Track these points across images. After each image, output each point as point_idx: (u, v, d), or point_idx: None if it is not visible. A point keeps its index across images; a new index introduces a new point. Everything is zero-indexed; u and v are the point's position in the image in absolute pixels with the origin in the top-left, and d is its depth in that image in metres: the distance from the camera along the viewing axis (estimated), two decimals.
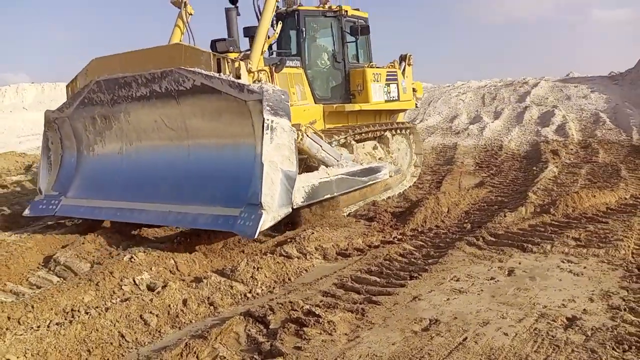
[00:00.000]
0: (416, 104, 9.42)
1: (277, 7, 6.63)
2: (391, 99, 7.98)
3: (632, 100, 15.30)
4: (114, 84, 5.59)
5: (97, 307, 3.69)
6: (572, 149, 10.31)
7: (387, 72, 7.95)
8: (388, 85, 7.90)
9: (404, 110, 9.04)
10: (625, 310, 3.47)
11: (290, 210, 4.92)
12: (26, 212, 6.33)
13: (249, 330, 3.42)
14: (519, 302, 3.70)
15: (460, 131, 13.07)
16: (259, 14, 6.62)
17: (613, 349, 2.97)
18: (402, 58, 8.72)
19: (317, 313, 3.49)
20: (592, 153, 9.80)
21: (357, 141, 6.86)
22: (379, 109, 7.82)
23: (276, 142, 4.70)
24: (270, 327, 3.42)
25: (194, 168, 5.38)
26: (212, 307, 3.91)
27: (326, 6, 7.27)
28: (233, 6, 6.56)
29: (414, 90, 9.00)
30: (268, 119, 4.64)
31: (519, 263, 4.49)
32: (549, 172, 8.19)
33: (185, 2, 6.85)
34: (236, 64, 5.18)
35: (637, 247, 4.73)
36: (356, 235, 5.62)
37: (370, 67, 7.65)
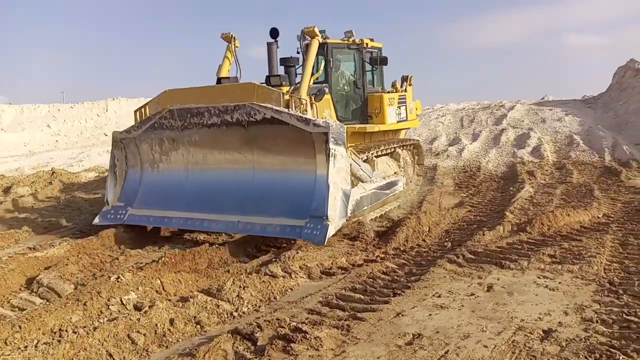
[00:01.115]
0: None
1: (306, 38, 7.54)
2: (401, 119, 8.98)
3: (605, 123, 15.87)
4: (186, 113, 6.39)
5: (85, 327, 3.71)
6: (547, 170, 10.63)
7: (399, 96, 8.91)
8: (399, 107, 8.88)
9: (409, 128, 10.12)
10: (597, 322, 3.64)
11: (345, 221, 5.93)
12: (96, 221, 6.92)
13: (237, 347, 3.48)
14: (498, 316, 3.84)
15: (440, 152, 13.37)
16: (302, 52, 7.79)
17: (586, 357, 3.12)
18: (404, 79, 9.40)
19: (303, 329, 3.57)
20: (566, 174, 10.13)
21: (377, 157, 7.69)
22: (392, 129, 8.84)
23: (337, 167, 5.71)
24: (258, 343, 3.49)
25: (258, 186, 6.25)
26: (199, 326, 3.95)
27: (350, 40, 8.20)
28: (274, 40, 7.56)
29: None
30: (332, 148, 5.63)
31: (498, 279, 4.65)
32: (525, 192, 8.44)
33: (234, 37, 7.91)
34: (303, 102, 6.14)
35: (609, 263, 4.93)
36: (340, 255, 5.72)
37: (385, 92, 8.62)
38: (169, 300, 4.38)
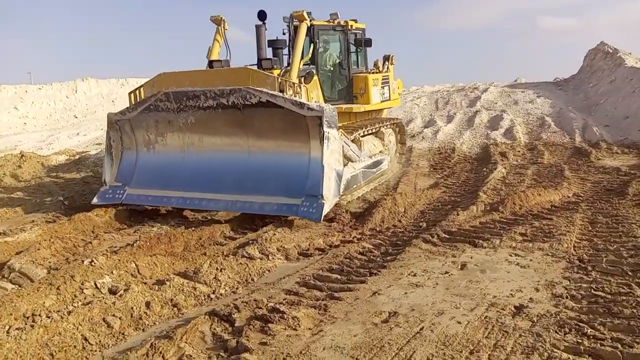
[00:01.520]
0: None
1: (295, 21, 7.74)
2: (385, 99, 9.29)
3: (575, 104, 16.20)
4: (182, 95, 6.54)
5: (58, 311, 3.65)
6: (519, 151, 10.82)
7: (382, 76, 9.18)
8: (383, 87, 9.17)
9: (391, 107, 10.46)
10: (567, 297, 3.77)
11: (338, 199, 6.30)
12: (94, 201, 6.99)
13: (215, 328, 3.49)
14: (471, 293, 3.93)
15: (415, 134, 13.46)
16: (290, 34, 7.86)
17: (556, 332, 3.23)
18: (386, 58, 9.61)
19: (281, 310, 3.59)
20: (537, 155, 10.33)
21: (362, 136, 7.91)
22: (376, 108, 9.09)
23: (331, 149, 6.00)
24: (236, 324, 3.50)
25: (253, 166, 6.47)
26: (175, 309, 3.93)
27: (335, 22, 8.40)
28: (262, 23, 7.71)
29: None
30: (326, 131, 5.89)
31: (471, 257, 4.75)
32: (498, 173, 8.59)
33: (223, 20, 8.06)
34: (297, 87, 6.40)
35: (579, 241, 5.09)
36: (317, 236, 5.75)
37: (370, 73, 8.84)
38: (145, 283, 4.34)
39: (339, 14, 8.40)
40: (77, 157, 11.40)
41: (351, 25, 8.58)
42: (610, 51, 19.89)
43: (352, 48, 8.70)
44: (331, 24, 8.41)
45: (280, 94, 6.09)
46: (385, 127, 8.97)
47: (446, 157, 10.61)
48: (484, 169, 9.11)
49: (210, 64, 7.52)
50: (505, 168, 9.06)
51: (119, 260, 4.68)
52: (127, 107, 7.06)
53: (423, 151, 11.50)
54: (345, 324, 3.47)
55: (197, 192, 6.62)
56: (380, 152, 8.51)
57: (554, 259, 4.63)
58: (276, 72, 6.98)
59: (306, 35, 7.67)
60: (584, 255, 4.64)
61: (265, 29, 7.78)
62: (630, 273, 4.13)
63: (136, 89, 7.11)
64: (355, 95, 8.63)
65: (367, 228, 5.98)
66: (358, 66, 9.01)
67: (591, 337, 3.13)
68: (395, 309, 3.68)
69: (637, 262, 4.33)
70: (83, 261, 4.54)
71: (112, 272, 4.46)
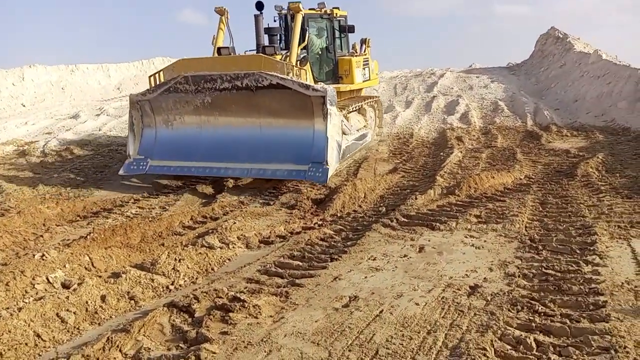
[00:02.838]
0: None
1: (282, 8, 9.18)
2: (366, 79, 10.39)
3: (527, 89, 16.71)
4: (200, 79, 7.38)
5: (8, 308, 3.50)
6: (474, 135, 11.08)
7: (363, 59, 10.20)
8: (364, 68, 10.22)
9: (371, 86, 11.72)
10: (519, 276, 3.91)
11: (338, 165, 7.50)
12: (121, 172, 7.80)
13: (174, 320, 3.44)
14: (429, 275, 4.03)
15: None
16: (284, 21, 9.43)
17: (509, 310, 3.36)
18: (363, 41, 10.60)
19: (242, 299, 3.58)
20: (491, 138, 10.61)
21: (349, 113, 8.90)
22: (359, 87, 10.25)
23: (332, 123, 7.02)
24: (196, 315, 3.46)
25: (264, 139, 7.39)
26: (132, 302, 3.85)
27: (322, 10, 9.38)
28: (259, 12, 8.63)
29: None
30: (329, 108, 6.89)
31: (429, 240, 4.85)
32: (454, 157, 8.78)
33: (226, 10, 8.99)
34: (298, 71, 7.40)
35: (530, 222, 5.28)
36: (278, 223, 5.73)
37: (353, 56, 9.81)
38: (100, 276, 4.22)
39: (325, 3, 9.32)
40: (25, 147, 10.90)
41: (336, 13, 9.54)
42: (561, 36, 20.58)
43: (337, 34, 9.68)
44: (319, 12, 9.30)
45: (289, 78, 7.04)
46: (367, 104, 10.08)
47: (405, 142, 10.75)
48: (441, 153, 9.29)
49: (219, 50, 8.45)
50: (461, 152, 9.27)
51: (72, 253, 4.52)
52: (147, 89, 7.86)
53: (382, 136, 11.61)
54: (307, 310, 3.49)
55: (215, 162, 7.46)
56: (364, 126, 9.61)
57: (507, 239, 4.80)
58: (278, 57, 7.97)
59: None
60: (535, 235, 4.82)
61: (262, 18, 8.68)
62: (578, 251, 4.32)
63: (156, 73, 7.96)
64: (341, 76, 9.58)
65: (328, 214, 6.01)
66: (342, 50, 9.97)
67: (542, 314, 3.27)
68: (355, 293, 3.73)
69: (585, 241, 4.54)
70: (34, 255, 4.37)
71: (64, 266, 4.30)
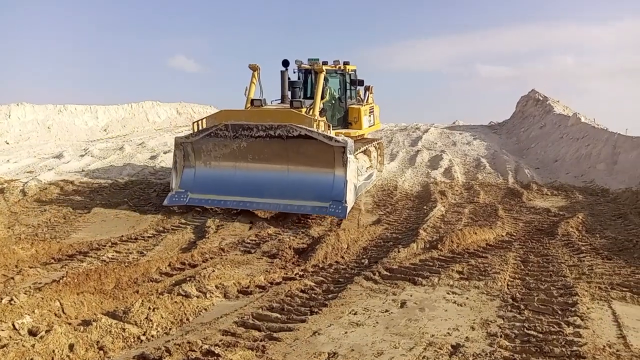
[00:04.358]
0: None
1: (301, 63, 10.86)
2: (371, 124, 11.93)
3: (508, 147, 17.13)
4: (239, 127, 8.63)
5: None
6: (457, 190, 11.21)
7: (369, 107, 11.72)
8: (370, 115, 11.74)
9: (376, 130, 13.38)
10: (501, 336, 3.85)
11: (353, 203, 8.67)
12: (165, 202, 8.86)
13: None
14: (410, 332, 3.94)
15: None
16: (309, 76, 11.06)
17: None
18: (366, 88, 11.91)
19: (216, 352, 3.44)
20: (474, 194, 10.74)
21: (357, 154, 9.85)
22: (366, 132, 11.69)
23: (351, 168, 8.34)
24: None
25: (291, 181, 8.59)
26: (101, 352, 3.68)
27: (337, 66, 10.96)
28: (285, 69, 10.23)
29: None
30: (349, 157, 8.21)
31: (411, 295, 4.79)
32: (437, 211, 8.83)
33: (258, 67, 10.37)
34: (322, 124, 8.61)
35: (512, 279, 5.26)
36: (258, 273, 5.62)
37: (362, 106, 11.31)
38: (69, 324, 4.04)
39: (340, 60, 11.03)
40: (4, 185, 10.70)
41: (347, 69, 11.14)
42: (541, 98, 21.35)
43: (348, 86, 11.26)
44: (334, 68, 10.89)
45: (316, 130, 8.29)
46: (372, 146, 11.56)
47: (389, 194, 10.81)
48: (425, 207, 9.34)
49: (252, 102, 9.84)
50: (444, 206, 9.34)
51: (42, 298, 4.34)
52: (190, 133, 9.06)
53: (367, 188, 11.67)
54: None
55: (247, 197, 8.57)
56: (370, 166, 11.11)
57: (489, 297, 4.75)
58: (303, 110, 9.31)
59: (314, 76, 10.44)
60: (517, 294, 4.79)
61: (287, 74, 10.27)
62: (560, 312, 4.29)
63: (198, 120, 9.16)
64: (350, 122, 11.03)
65: (310, 265, 5.93)
66: (351, 99, 11.52)
67: None
68: (335, 350, 3.62)
69: (566, 301, 4.52)
70: (2, 299, 4.18)
71: (33, 312, 4.12)
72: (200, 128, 8.96)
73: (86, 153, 14.90)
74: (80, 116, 21.99)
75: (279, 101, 10.46)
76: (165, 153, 14.80)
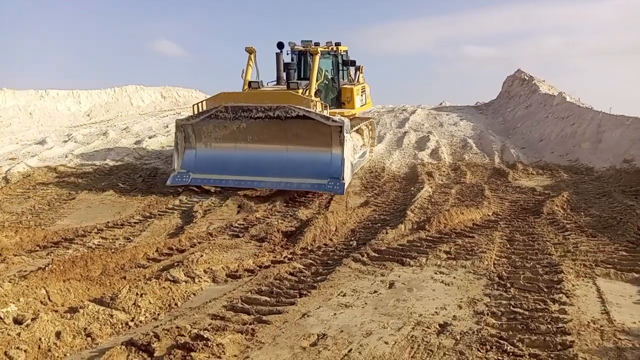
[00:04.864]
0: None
1: (295, 44, 10.87)
2: (363, 104, 12.15)
3: (494, 127, 17.19)
4: (238, 108, 8.90)
5: None
6: (444, 171, 11.25)
7: (361, 86, 11.92)
8: (362, 94, 11.98)
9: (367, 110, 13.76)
10: (487, 314, 3.90)
11: (350, 180, 9.04)
12: (168, 182, 9.15)
13: None
14: (398, 312, 3.97)
15: None
16: (303, 57, 11.27)
17: (478, 350, 3.32)
18: (357, 68, 12.09)
19: (205, 337, 3.44)
20: (460, 175, 10.79)
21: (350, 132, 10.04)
22: (358, 112, 11.82)
23: (347, 147, 8.65)
24: (155, 355, 3.30)
25: (290, 159, 8.91)
26: (89, 339, 3.65)
27: (330, 48, 11.19)
28: (280, 51, 10.47)
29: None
30: (345, 136, 8.52)
31: (399, 276, 4.82)
32: (425, 192, 8.86)
33: (254, 50, 10.58)
34: (319, 105, 8.95)
35: (498, 258, 5.32)
36: (247, 256, 5.61)
37: (354, 85, 11.50)
38: (56, 311, 4.00)
39: (332, 42, 11.21)
40: None
41: (339, 49, 11.41)
42: (526, 78, 21.39)
43: (340, 66, 11.46)
44: (327, 49, 11.10)
45: (313, 110, 8.64)
46: (364, 125, 11.74)
47: (376, 176, 10.82)
48: (412, 188, 9.37)
49: (249, 84, 10.05)
50: (431, 187, 9.37)
51: (28, 286, 4.29)
52: (191, 115, 9.33)
53: (361, 165, 11.67)
54: (273, 349, 3.38)
55: (248, 176, 8.86)
56: (362, 145, 11.39)
57: (476, 276, 4.80)
58: (300, 91, 9.52)
59: (309, 58, 10.64)
60: (503, 272, 4.84)
61: (282, 55, 10.52)
62: (545, 290, 4.35)
63: (199, 102, 9.42)
64: (344, 102, 11.21)
65: (299, 247, 5.93)
66: (344, 79, 11.73)
67: (511, 354, 3.24)
68: (324, 331, 3.64)
69: (551, 279, 4.58)
70: None
71: (18, 300, 4.07)
72: (200, 110, 9.22)
73: (69, 139, 14.65)
74: (62, 101, 21.56)
75: (275, 83, 10.67)
76: (150, 138, 14.62)
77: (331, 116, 8.74)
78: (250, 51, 10.66)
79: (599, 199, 8.24)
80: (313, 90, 9.68)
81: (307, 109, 8.58)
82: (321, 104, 9.08)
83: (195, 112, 9.24)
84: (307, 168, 8.70)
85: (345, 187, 8.46)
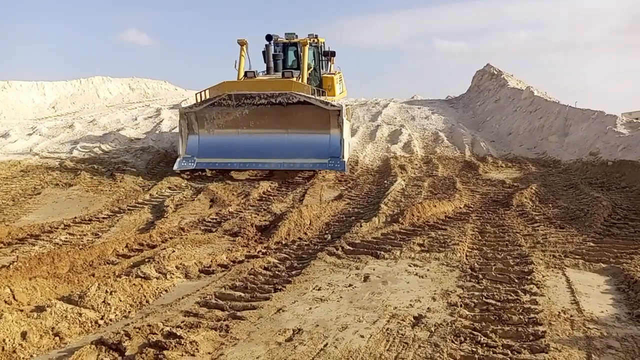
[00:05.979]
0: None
1: (278, 37, 11.90)
2: (341, 91, 13.22)
3: (465, 121, 17.43)
4: (241, 96, 9.68)
5: None
6: (416, 164, 11.36)
7: (339, 75, 13.11)
8: (340, 83, 13.06)
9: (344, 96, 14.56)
10: (461, 306, 3.94)
11: (348, 157, 10.16)
12: (175, 167, 9.70)
13: (102, 359, 3.17)
14: (373, 305, 3.97)
15: None
16: (300, 52, 11.63)
17: (452, 341, 3.35)
18: (328, 54, 12.82)
19: (178, 334, 3.36)
20: (433, 168, 10.92)
21: None
22: (338, 98, 12.45)
23: (345, 129, 9.72)
24: (126, 354, 3.20)
25: (291, 142, 9.84)
26: (57, 338, 3.52)
27: (312, 39, 11.96)
28: (269, 43, 11.50)
29: None
30: (343, 119, 9.60)
31: (373, 269, 4.83)
32: (398, 185, 8.93)
33: (246, 42, 11.44)
34: (309, 89, 9.87)
35: (470, 250, 5.39)
36: (220, 252, 5.53)
37: (334, 74, 12.64)
38: (21, 310, 3.85)
39: (315, 34, 12.12)
40: None
41: (320, 41, 12.42)
42: (495, 73, 21.74)
43: (320, 57, 12.44)
44: (310, 40, 11.77)
45: (314, 97, 9.64)
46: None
47: (350, 170, 10.84)
48: (385, 181, 9.42)
49: (245, 73, 10.78)
50: (404, 180, 9.44)
51: None
52: (194, 103, 9.99)
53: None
54: (248, 346, 3.33)
55: (251, 159, 9.68)
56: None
57: (449, 268, 4.85)
58: (294, 79, 10.41)
59: (293, 49, 12.05)
60: (475, 264, 4.91)
61: (270, 47, 11.49)
62: (516, 280, 4.43)
63: (202, 90, 10.11)
64: (324, 90, 11.67)
65: (273, 242, 5.88)
66: (324, 69, 12.76)
67: (484, 345, 3.28)
68: (299, 326, 3.61)
69: (522, 270, 4.67)
70: None
71: None
72: (203, 98, 9.90)
73: (34, 132, 14.16)
74: (26, 93, 20.81)
75: (264, 72, 11.46)
76: (118, 130, 14.26)
77: (330, 102, 9.72)
78: (242, 43, 11.42)
79: (567, 191, 8.45)
80: (305, 79, 10.63)
81: (308, 95, 9.49)
82: (316, 90, 9.96)
83: (199, 100, 9.88)
84: (307, 149, 9.58)
85: (346, 164, 9.48)
